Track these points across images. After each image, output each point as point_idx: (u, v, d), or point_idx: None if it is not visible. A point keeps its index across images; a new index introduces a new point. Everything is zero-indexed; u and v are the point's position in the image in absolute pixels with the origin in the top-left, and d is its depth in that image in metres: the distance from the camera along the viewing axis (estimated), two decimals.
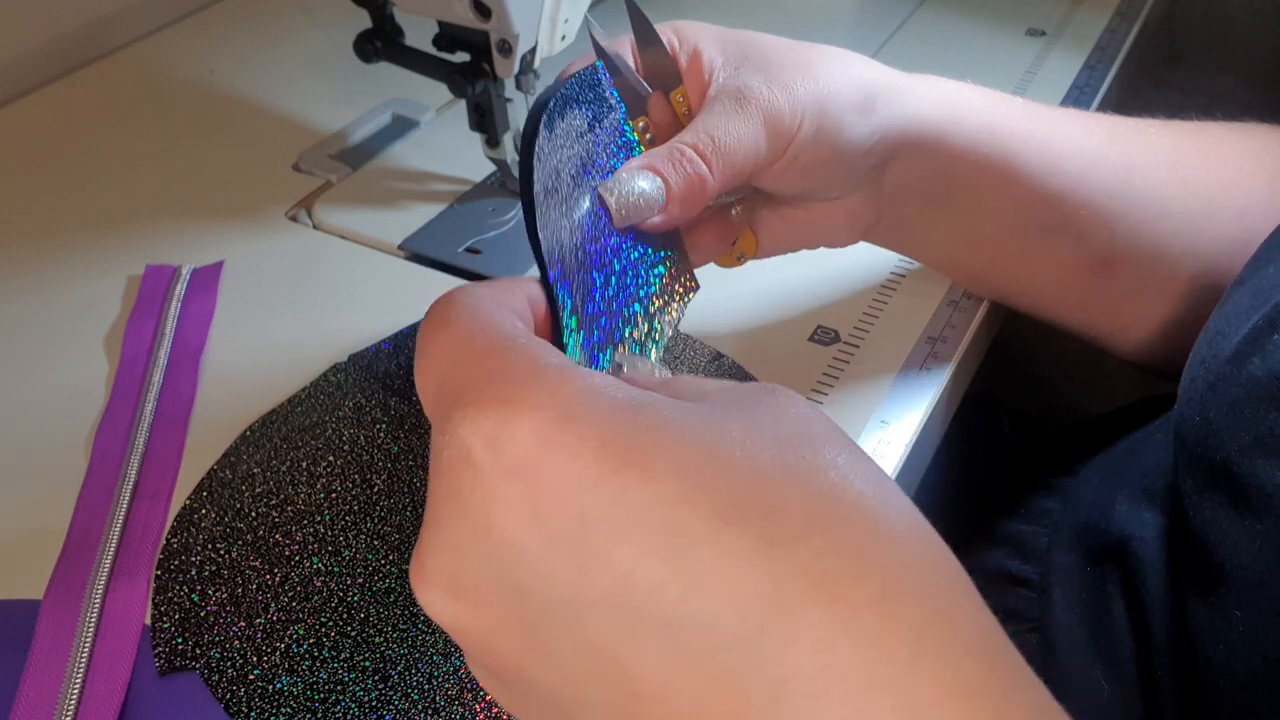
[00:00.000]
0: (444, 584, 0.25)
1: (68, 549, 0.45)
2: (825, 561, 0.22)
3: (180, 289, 0.57)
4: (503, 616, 0.25)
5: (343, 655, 0.40)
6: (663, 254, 0.40)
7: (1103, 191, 0.48)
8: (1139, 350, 0.52)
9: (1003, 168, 0.47)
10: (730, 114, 0.40)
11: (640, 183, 0.37)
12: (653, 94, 0.43)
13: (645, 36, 0.43)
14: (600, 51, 0.41)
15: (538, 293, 0.32)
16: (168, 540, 0.45)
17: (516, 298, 0.30)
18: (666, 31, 0.44)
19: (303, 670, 0.40)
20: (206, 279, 0.58)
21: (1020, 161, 0.47)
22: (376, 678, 0.40)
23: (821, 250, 0.50)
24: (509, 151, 0.62)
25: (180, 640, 0.41)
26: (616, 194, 0.36)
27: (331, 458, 0.48)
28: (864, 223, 0.48)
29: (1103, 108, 0.73)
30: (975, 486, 0.62)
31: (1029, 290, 0.53)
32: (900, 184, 0.48)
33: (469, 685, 0.39)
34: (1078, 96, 0.72)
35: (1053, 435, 0.63)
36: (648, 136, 0.42)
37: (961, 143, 0.46)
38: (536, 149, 0.34)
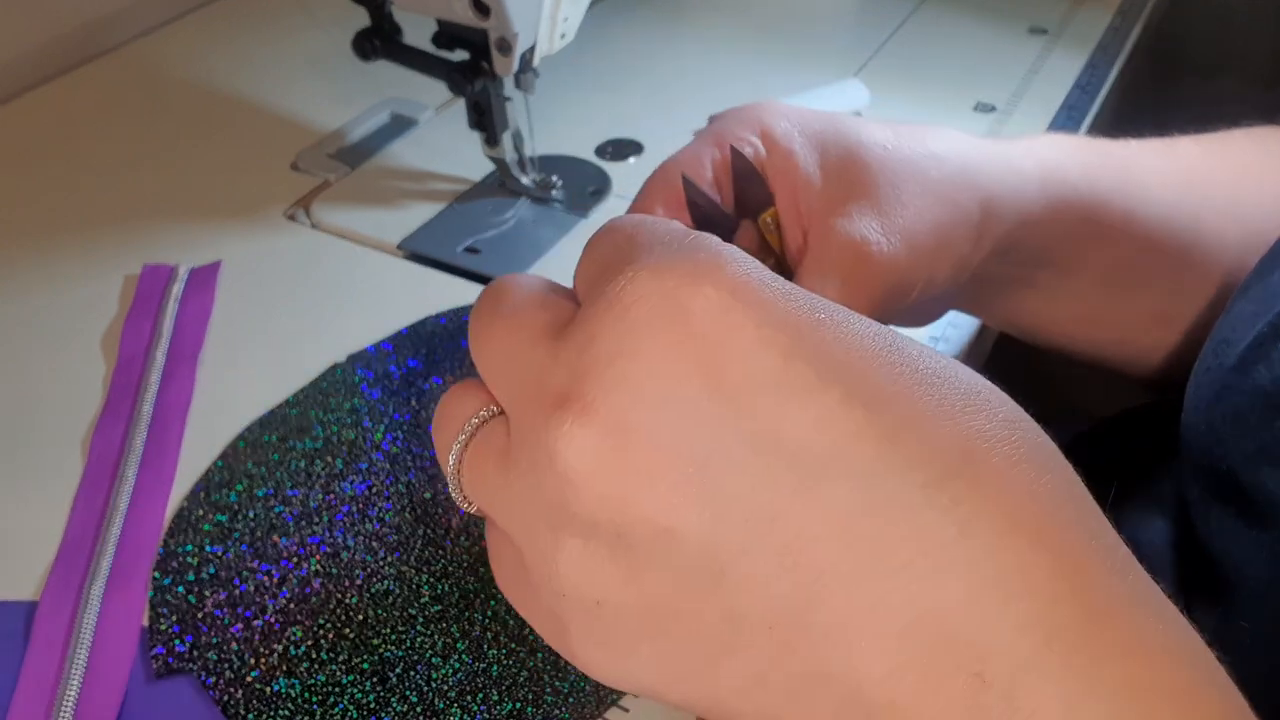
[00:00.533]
0: (604, 419, 0.23)
1: (64, 550, 0.44)
2: (1002, 430, 0.24)
3: (178, 289, 0.57)
4: (664, 454, 0.23)
5: (341, 657, 0.40)
6: None
7: (1183, 232, 0.47)
8: (1156, 373, 0.52)
9: (1101, 238, 0.45)
10: (845, 280, 0.36)
11: None
12: (741, 223, 0.38)
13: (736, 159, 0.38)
14: (685, 182, 0.37)
15: None
16: (165, 541, 0.44)
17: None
18: (749, 132, 0.38)
19: (301, 672, 0.40)
20: (204, 278, 0.58)
21: (1118, 231, 0.45)
22: (375, 680, 0.40)
23: None
24: (508, 150, 0.61)
25: (178, 642, 0.41)
26: None
27: (329, 459, 0.47)
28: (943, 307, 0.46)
29: (1104, 107, 0.73)
30: None
31: (1097, 340, 0.51)
32: (996, 275, 0.44)
33: (468, 687, 0.39)
34: (1079, 95, 0.72)
35: (1056, 437, 0.63)
36: None
37: (1065, 228, 0.43)
38: None
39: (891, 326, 0.25)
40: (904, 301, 0.38)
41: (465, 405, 0.27)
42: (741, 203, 0.38)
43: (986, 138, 0.43)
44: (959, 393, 0.23)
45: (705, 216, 0.37)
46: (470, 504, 0.28)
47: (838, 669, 0.22)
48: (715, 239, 0.25)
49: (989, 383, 0.25)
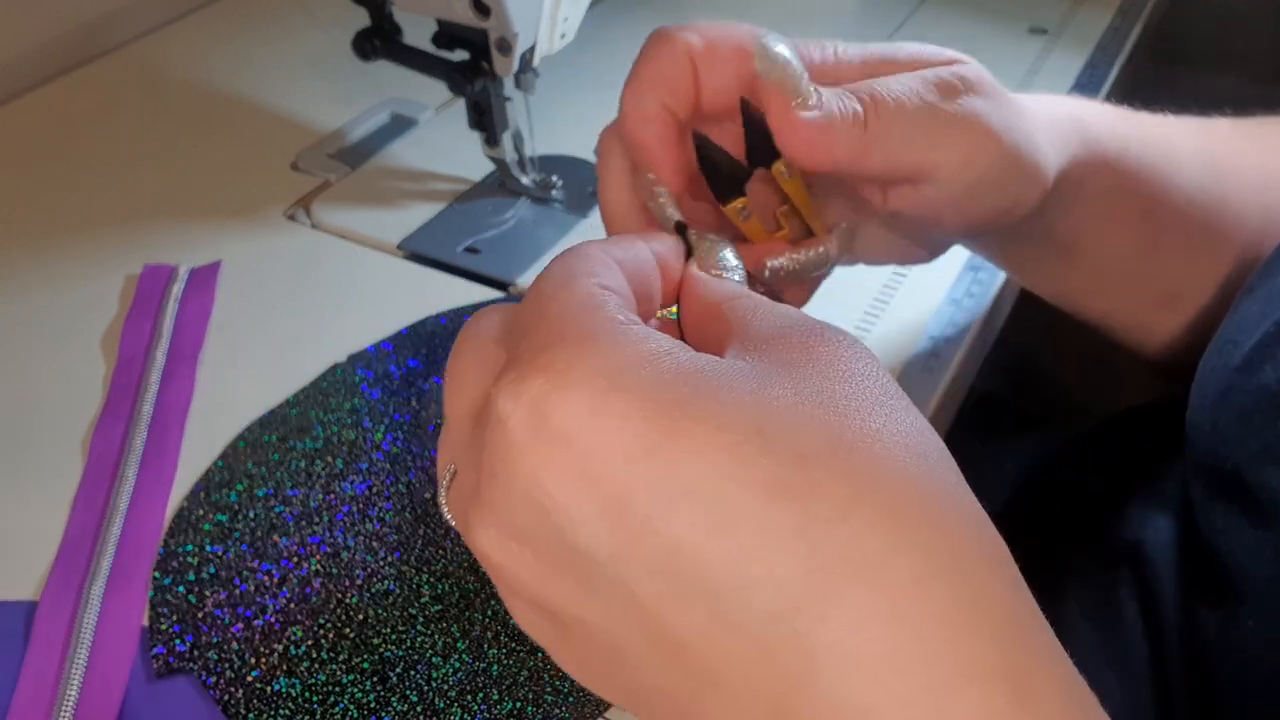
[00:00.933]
0: (497, 528, 0.26)
1: (64, 550, 0.44)
2: (864, 544, 0.23)
3: (178, 289, 0.57)
4: (555, 566, 0.26)
5: (341, 657, 0.40)
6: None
7: (1210, 208, 0.47)
8: (1165, 352, 0.52)
9: (1127, 208, 0.45)
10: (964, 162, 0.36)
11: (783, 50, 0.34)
12: (755, 172, 0.37)
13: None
14: (699, 139, 0.37)
15: (667, 248, 0.32)
16: (165, 541, 0.44)
17: (634, 253, 0.31)
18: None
19: (301, 672, 0.40)
20: (204, 278, 0.58)
21: (1144, 203, 0.45)
22: (375, 679, 0.40)
23: None
24: (508, 150, 0.61)
25: (178, 642, 0.41)
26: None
27: (330, 458, 0.47)
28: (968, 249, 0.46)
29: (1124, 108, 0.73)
30: (980, 488, 0.62)
31: (1119, 310, 0.51)
32: (1027, 226, 0.43)
33: (468, 687, 0.39)
34: (1079, 95, 0.72)
35: (1062, 438, 0.63)
36: (744, 215, 0.37)
37: (1094, 190, 0.43)
38: None
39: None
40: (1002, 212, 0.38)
41: (449, 446, 0.30)
42: (753, 151, 0.37)
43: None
44: (857, 472, 0.23)
45: (718, 170, 0.37)
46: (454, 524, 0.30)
47: None
48: (597, 318, 0.26)
49: (916, 440, 0.25)
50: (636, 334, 0.25)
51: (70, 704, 0.39)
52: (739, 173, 0.37)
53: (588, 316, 0.26)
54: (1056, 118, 0.41)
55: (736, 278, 0.33)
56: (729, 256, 0.33)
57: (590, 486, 0.24)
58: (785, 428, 0.24)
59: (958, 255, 0.58)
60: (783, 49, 0.34)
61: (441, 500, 0.30)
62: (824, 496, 0.23)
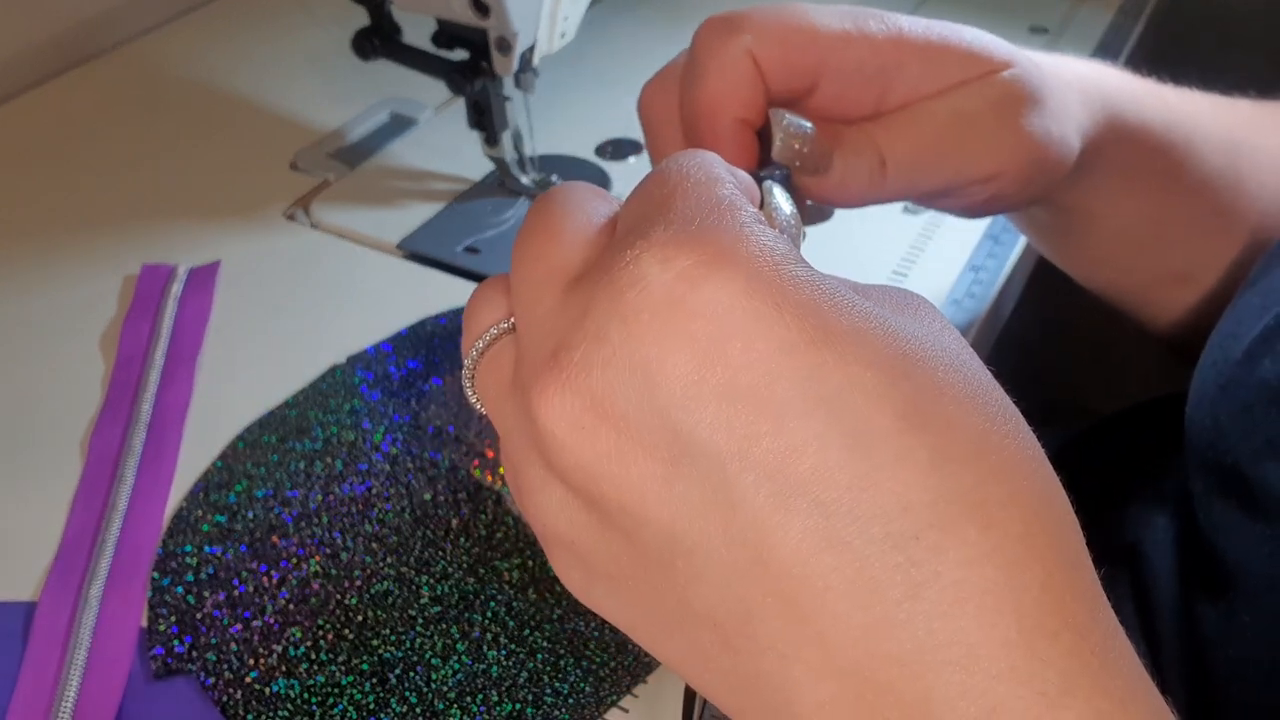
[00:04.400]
0: (577, 396, 0.23)
1: (63, 550, 0.44)
2: (988, 488, 0.23)
3: (177, 289, 0.57)
4: (641, 448, 0.23)
5: (340, 658, 0.40)
6: None
7: (1226, 186, 0.47)
8: (1175, 329, 0.51)
9: (1144, 179, 0.45)
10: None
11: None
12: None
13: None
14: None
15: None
16: (164, 541, 0.44)
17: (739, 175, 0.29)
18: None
19: (300, 673, 0.40)
20: (203, 278, 0.58)
21: (1161, 176, 0.45)
22: (374, 681, 0.39)
23: (821, 249, 0.50)
24: (508, 150, 0.61)
25: (177, 643, 0.41)
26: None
27: (329, 460, 0.47)
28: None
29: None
30: None
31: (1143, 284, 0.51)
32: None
33: (467, 688, 0.39)
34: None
35: (1061, 435, 0.63)
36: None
37: (1113, 159, 0.44)
38: None
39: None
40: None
41: (490, 310, 0.28)
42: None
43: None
44: (983, 419, 0.23)
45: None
46: (481, 406, 0.28)
47: (775, 683, 0.23)
48: (746, 214, 0.24)
49: (1014, 409, 0.25)
50: (783, 239, 0.24)
51: (69, 704, 0.39)
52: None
53: (736, 211, 0.24)
54: (1085, 89, 0.42)
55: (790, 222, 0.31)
56: (781, 202, 0.31)
57: (725, 369, 0.22)
58: (925, 359, 0.23)
59: (958, 255, 0.58)
60: (803, 124, 0.35)
61: (466, 373, 0.28)
62: (958, 434, 0.23)
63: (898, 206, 0.62)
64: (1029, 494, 0.23)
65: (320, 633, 0.41)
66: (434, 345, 0.53)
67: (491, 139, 0.61)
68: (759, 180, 0.32)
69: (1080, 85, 0.42)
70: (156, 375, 0.52)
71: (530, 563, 0.43)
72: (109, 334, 0.55)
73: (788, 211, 0.31)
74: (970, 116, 0.38)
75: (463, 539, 0.44)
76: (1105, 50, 0.77)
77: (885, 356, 0.23)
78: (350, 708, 0.39)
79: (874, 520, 0.22)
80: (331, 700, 0.39)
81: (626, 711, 0.39)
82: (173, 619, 0.41)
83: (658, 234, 0.23)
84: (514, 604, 0.42)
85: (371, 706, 0.39)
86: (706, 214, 0.24)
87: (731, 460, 0.22)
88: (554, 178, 0.63)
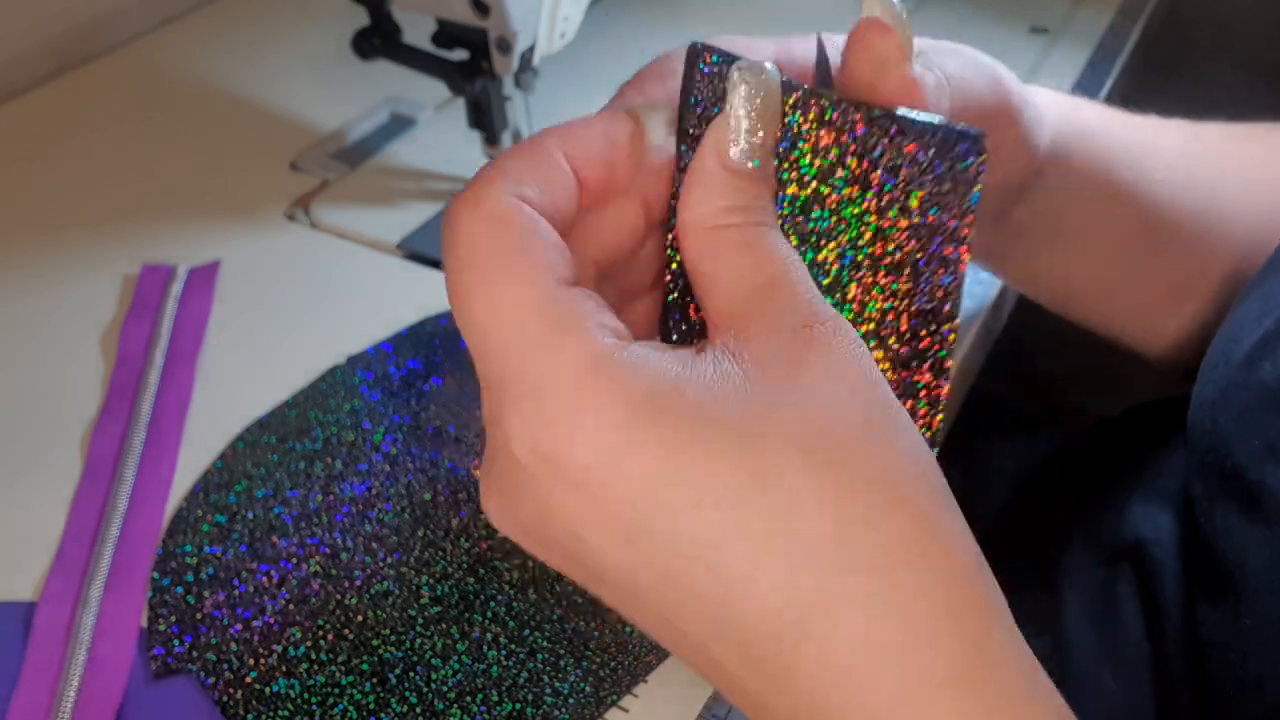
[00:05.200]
0: (509, 526, 0.28)
1: (63, 550, 0.44)
2: (892, 551, 0.25)
3: (177, 289, 0.57)
4: (564, 561, 0.28)
5: (340, 658, 0.40)
6: None
7: (1197, 209, 0.47)
8: (1169, 352, 0.52)
9: (1119, 192, 0.45)
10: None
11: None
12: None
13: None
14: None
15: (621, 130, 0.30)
16: (164, 541, 0.44)
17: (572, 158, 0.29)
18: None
19: (300, 673, 0.40)
20: (203, 279, 0.58)
21: (1127, 194, 0.45)
22: (374, 680, 0.39)
23: None
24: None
25: (177, 642, 0.41)
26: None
27: (329, 460, 0.47)
28: None
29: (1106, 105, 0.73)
30: (979, 489, 0.62)
31: (1116, 311, 0.51)
32: (1019, 224, 0.44)
33: (467, 688, 0.39)
34: (1080, 95, 0.72)
35: (1056, 436, 0.63)
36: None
37: (1076, 180, 0.43)
38: None
39: None
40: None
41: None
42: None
43: None
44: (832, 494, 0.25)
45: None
46: None
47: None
48: (584, 335, 0.26)
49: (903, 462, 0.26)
50: (624, 361, 0.25)
51: (69, 704, 0.39)
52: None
53: (570, 345, 0.26)
54: (1043, 97, 0.42)
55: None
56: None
57: (599, 519, 0.26)
58: (791, 453, 0.25)
59: None
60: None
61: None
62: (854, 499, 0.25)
63: None
64: (926, 550, 0.25)
65: (320, 633, 0.41)
66: (434, 346, 0.53)
67: (491, 139, 0.61)
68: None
69: (1041, 96, 0.42)
70: (156, 375, 0.52)
71: (530, 563, 0.43)
72: (109, 334, 0.55)
73: (745, 127, 0.29)
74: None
75: (463, 539, 0.44)
76: (1104, 50, 0.77)
77: (739, 460, 0.25)
78: (350, 707, 0.39)
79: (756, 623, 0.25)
80: (331, 700, 0.39)
81: (626, 711, 0.39)
82: (173, 619, 0.41)
83: (514, 425, 0.26)
84: (514, 604, 0.42)
85: (371, 706, 0.39)
86: (545, 388, 0.26)
87: (626, 585, 0.27)
88: None
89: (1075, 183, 0.44)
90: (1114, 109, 0.47)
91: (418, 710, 0.39)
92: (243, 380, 0.52)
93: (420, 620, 0.41)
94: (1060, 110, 0.43)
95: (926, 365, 0.33)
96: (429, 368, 0.52)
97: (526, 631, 0.41)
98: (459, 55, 0.58)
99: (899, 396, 0.30)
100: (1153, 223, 0.46)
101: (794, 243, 0.30)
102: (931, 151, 0.32)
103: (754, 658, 0.25)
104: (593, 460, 0.25)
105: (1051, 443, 0.63)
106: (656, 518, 0.25)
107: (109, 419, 0.50)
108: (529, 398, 0.25)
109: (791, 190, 0.30)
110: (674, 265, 0.30)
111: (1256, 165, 0.49)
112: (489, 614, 0.41)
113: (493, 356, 0.26)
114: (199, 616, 0.41)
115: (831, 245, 0.31)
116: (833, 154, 0.31)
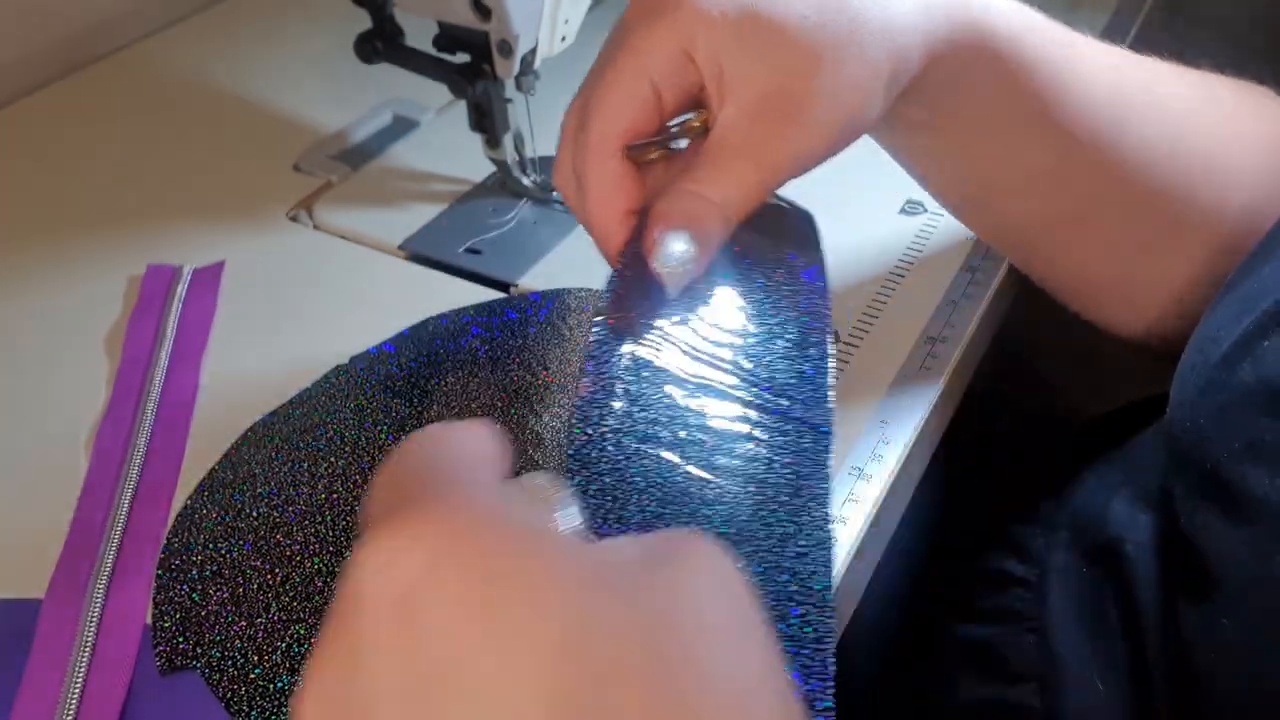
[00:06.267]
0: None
1: (69, 548, 0.45)
2: None
3: (181, 289, 0.57)
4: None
5: None
6: None
7: (1144, 129, 0.46)
8: (1150, 325, 0.51)
9: (1044, 101, 0.44)
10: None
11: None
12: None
13: None
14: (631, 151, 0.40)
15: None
16: (169, 540, 0.45)
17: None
18: (674, 66, 0.39)
19: (304, 669, 0.40)
20: (208, 279, 0.58)
21: (1064, 98, 0.44)
22: None
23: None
24: (509, 152, 0.62)
25: (181, 640, 0.41)
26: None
27: (333, 459, 0.48)
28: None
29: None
30: (974, 487, 0.62)
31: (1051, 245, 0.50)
32: (910, 119, 0.44)
33: None
34: None
35: (1052, 436, 0.63)
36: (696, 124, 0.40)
37: (978, 73, 0.43)
38: None
39: None
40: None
41: None
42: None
43: None
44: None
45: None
46: None
47: None
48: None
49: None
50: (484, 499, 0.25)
51: (74, 702, 0.39)
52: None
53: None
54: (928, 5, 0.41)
55: None
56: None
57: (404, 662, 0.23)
58: (601, 650, 0.22)
59: (955, 257, 0.59)
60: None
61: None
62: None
63: (895, 208, 0.62)
64: None
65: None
66: (436, 345, 0.53)
67: (493, 141, 0.61)
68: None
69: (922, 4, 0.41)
70: (161, 375, 0.52)
71: None
72: (114, 334, 0.55)
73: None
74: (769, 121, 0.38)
75: None
76: None
77: (551, 650, 0.22)
78: None
79: None
80: None
81: None
82: (177, 616, 0.42)
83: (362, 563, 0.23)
84: None
85: None
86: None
87: None
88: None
89: (980, 85, 0.43)
90: (1037, 13, 0.45)
91: None
92: (247, 380, 0.52)
93: None
94: (963, 10, 0.42)
95: None
96: (431, 367, 0.52)
97: None
98: (461, 58, 0.59)
99: None
100: (1070, 132, 0.45)
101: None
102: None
103: None
104: None
105: (1045, 442, 0.63)
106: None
107: (114, 418, 0.50)
108: None
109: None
110: None
111: (1193, 108, 0.48)
112: None
113: None
114: (204, 614, 0.42)
115: None
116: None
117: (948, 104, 0.44)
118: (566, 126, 0.41)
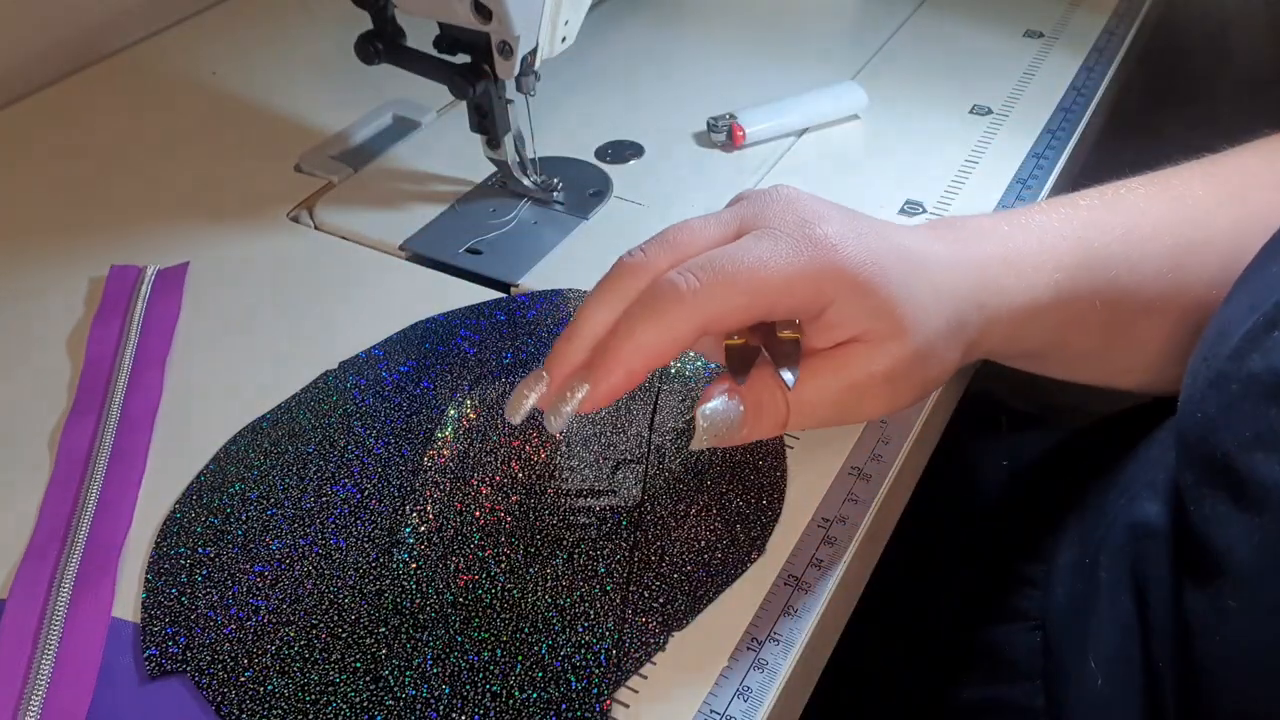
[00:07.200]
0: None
1: (32, 550, 0.44)
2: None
3: (145, 289, 0.57)
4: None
5: (334, 657, 0.40)
6: None
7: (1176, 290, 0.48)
8: (1137, 386, 0.53)
9: (1103, 316, 0.47)
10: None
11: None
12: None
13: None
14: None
15: None
16: (158, 543, 0.45)
17: None
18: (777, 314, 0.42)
19: (294, 672, 0.40)
20: (172, 279, 0.58)
21: (1118, 302, 0.47)
22: (368, 679, 0.40)
23: None
24: (509, 152, 0.62)
25: (171, 643, 0.41)
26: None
27: (322, 462, 0.48)
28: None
29: (1099, 109, 0.73)
30: (975, 488, 0.62)
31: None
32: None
33: (461, 686, 0.39)
34: (1075, 98, 0.72)
35: (1056, 436, 0.63)
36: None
37: (1071, 314, 0.47)
38: None
39: None
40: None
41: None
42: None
43: (1016, 212, 0.48)
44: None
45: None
46: None
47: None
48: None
49: None
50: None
51: (37, 703, 0.39)
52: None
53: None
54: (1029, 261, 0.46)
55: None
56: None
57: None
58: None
59: None
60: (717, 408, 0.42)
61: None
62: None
63: (894, 208, 0.62)
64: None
65: (314, 632, 0.41)
66: (425, 349, 0.53)
67: (493, 142, 0.61)
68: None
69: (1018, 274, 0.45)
70: (126, 375, 0.52)
71: (520, 563, 0.43)
72: (76, 334, 0.55)
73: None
74: (862, 388, 0.42)
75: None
76: (1100, 54, 0.77)
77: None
78: (344, 706, 0.39)
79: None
80: (325, 698, 0.39)
81: (627, 707, 0.39)
82: (167, 619, 0.42)
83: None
84: (505, 604, 0.42)
85: (365, 704, 0.39)
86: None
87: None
88: (555, 179, 0.64)
89: (1055, 325, 0.47)
90: (1102, 209, 0.48)
91: (412, 708, 0.39)
92: (245, 380, 0.52)
93: (415, 618, 0.42)
94: (1058, 270, 0.46)
95: None
96: (420, 371, 0.52)
97: (522, 630, 0.41)
98: (461, 59, 0.59)
99: None
100: (1128, 321, 0.48)
101: None
102: None
103: None
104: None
105: (1044, 443, 0.63)
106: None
107: (78, 417, 0.50)
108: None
109: None
110: None
111: (1235, 225, 0.49)
112: (483, 611, 0.42)
113: None
114: (193, 617, 0.42)
115: None
116: None
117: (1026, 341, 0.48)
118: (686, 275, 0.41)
